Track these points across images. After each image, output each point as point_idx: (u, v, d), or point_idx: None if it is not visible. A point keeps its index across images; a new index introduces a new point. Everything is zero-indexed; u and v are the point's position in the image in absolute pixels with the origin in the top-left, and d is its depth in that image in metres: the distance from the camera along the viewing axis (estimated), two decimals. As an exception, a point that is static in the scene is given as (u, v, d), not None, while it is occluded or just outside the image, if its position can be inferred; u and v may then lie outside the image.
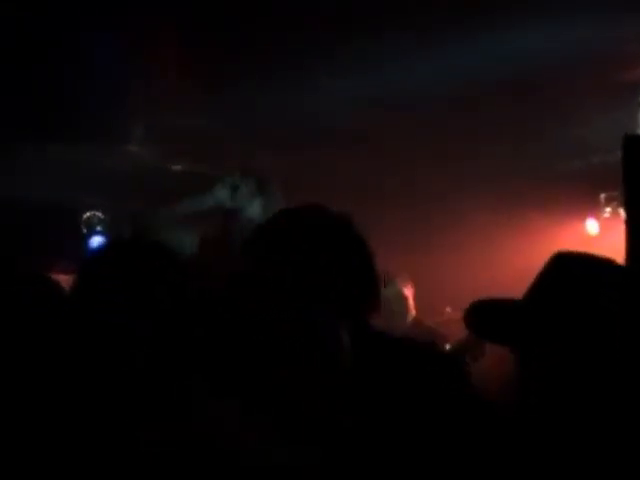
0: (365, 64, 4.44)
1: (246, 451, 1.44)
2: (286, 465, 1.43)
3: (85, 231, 6.23)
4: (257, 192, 3.66)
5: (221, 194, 3.64)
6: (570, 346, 1.52)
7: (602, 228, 6.41)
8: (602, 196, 6.43)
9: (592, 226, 6.52)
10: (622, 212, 6.31)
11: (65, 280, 1.78)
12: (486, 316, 1.71)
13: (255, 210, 3.63)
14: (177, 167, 5.95)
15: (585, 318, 1.51)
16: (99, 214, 6.24)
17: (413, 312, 4.95)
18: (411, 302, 4.94)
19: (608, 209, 6.44)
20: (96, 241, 6.18)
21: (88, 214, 6.23)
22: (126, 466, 1.40)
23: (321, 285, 1.55)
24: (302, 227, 1.64)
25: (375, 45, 4.22)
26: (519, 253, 5.82)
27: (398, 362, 1.64)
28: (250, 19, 4.02)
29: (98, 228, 6.23)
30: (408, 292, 4.92)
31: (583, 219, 6.54)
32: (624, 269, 1.62)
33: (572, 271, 1.60)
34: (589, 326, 1.50)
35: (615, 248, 1.88)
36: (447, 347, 4.42)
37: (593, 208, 6.49)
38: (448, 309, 5.73)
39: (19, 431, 1.44)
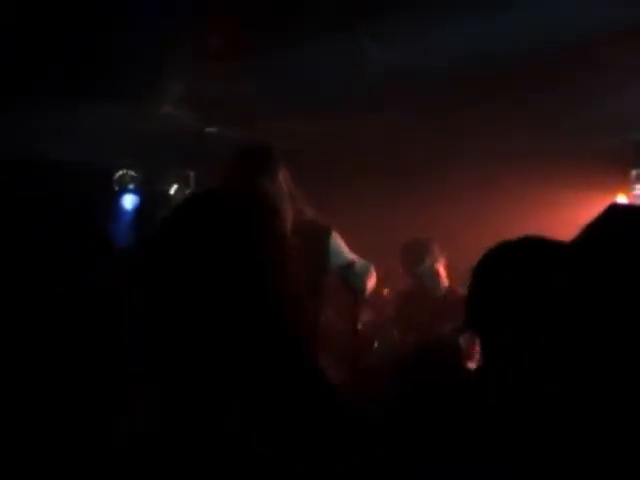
0: (399, 32, 4.43)
1: None
2: None
3: (117, 189, 6.32)
4: None
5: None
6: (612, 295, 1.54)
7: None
8: (633, 173, 6.41)
9: (622, 202, 6.49)
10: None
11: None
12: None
13: None
14: (211, 130, 6.00)
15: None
16: (132, 172, 6.31)
17: (446, 283, 4.97)
18: (443, 275, 4.95)
19: (638, 186, 6.42)
20: (128, 199, 6.27)
21: (120, 172, 6.31)
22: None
23: None
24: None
25: (407, 14, 4.21)
26: (548, 227, 5.80)
27: None
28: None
29: (130, 186, 6.32)
30: (440, 266, 4.92)
31: (613, 195, 6.52)
32: None
33: (625, 219, 1.63)
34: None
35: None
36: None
37: (623, 185, 6.46)
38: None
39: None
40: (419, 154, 6.09)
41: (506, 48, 4.39)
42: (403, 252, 4.98)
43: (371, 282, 3.89)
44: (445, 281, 4.95)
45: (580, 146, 6.03)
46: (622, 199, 6.46)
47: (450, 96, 5.06)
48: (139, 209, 3.97)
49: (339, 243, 3.79)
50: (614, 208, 1.67)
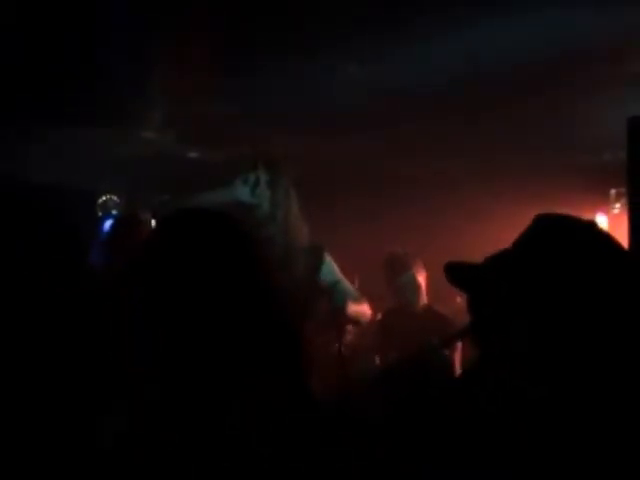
0: (381, 51, 4.46)
1: None
2: None
3: (100, 214, 6.32)
4: (270, 186, 3.72)
5: (242, 191, 3.69)
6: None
7: (611, 224, 6.40)
8: (612, 192, 6.46)
9: (601, 222, 6.51)
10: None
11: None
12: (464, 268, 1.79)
13: (268, 204, 3.69)
14: (193, 154, 6.02)
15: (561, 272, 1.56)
16: (115, 198, 6.32)
17: (425, 299, 5.00)
18: (424, 289, 4.99)
19: (617, 205, 6.45)
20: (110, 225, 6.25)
21: (104, 198, 6.32)
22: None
23: None
24: None
25: (391, 32, 4.24)
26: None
27: None
28: (266, 4, 4.05)
29: (113, 212, 6.31)
30: (422, 279, 4.97)
31: (592, 214, 6.55)
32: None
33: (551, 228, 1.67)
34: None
35: (624, 244, 1.92)
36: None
37: (603, 204, 6.50)
38: (458, 299, 5.78)
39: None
40: (402, 173, 6.13)
41: (489, 68, 4.44)
42: (386, 263, 5.02)
43: (360, 308, 3.90)
44: (424, 297, 4.99)
45: (559, 165, 6.07)
46: (602, 218, 6.50)
47: (434, 114, 5.10)
48: (110, 233, 4.00)
49: (332, 263, 3.81)
50: (541, 217, 1.71)
